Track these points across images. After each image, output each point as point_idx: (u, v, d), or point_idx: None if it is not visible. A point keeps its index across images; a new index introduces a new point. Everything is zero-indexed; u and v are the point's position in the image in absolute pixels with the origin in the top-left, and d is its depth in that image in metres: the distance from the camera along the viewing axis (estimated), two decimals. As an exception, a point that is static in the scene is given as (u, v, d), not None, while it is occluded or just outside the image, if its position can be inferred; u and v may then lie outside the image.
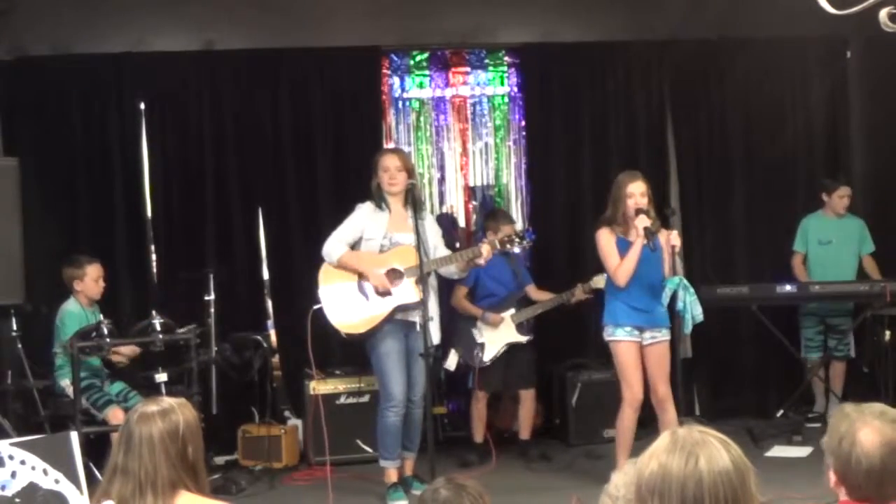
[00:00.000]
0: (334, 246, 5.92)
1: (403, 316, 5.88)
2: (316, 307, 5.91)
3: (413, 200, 5.92)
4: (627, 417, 5.83)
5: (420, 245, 5.70)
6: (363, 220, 5.95)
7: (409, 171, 6.01)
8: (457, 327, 6.85)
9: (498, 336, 6.79)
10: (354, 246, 5.95)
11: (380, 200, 5.96)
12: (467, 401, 7.12)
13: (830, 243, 7.41)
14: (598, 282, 6.48)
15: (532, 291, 7.01)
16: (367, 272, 5.84)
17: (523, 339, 6.85)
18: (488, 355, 6.75)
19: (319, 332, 6.05)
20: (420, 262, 5.67)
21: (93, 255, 6.49)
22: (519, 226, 7.37)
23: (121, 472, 2.77)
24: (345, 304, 5.90)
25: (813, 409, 7.52)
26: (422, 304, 5.73)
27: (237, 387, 6.98)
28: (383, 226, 5.92)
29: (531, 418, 6.99)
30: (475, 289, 6.85)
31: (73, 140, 7.17)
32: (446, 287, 6.88)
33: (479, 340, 6.77)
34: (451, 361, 6.82)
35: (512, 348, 6.81)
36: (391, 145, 7.57)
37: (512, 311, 6.85)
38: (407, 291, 5.84)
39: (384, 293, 5.83)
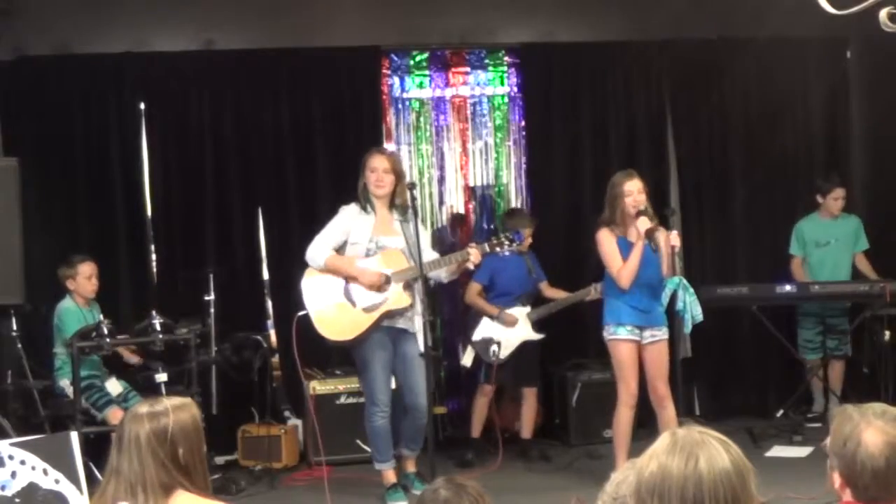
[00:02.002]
0: (319, 250, 5.83)
1: (390, 322, 5.83)
2: (301, 314, 5.87)
3: (411, 201, 5.87)
4: (624, 416, 5.83)
5: (409, 244, 5.65)
6: (348, 223, 5.88)
7: (398, 174, 5.93)
8: (473, 323, 6.85)
9: (514, 333, 6.81)
10: (339, 250, 5.88)
11: (365, 202, 5.89)
12: (468, 400, 7.13)
13: (828, 245, 7.41)
14: None
15: (545, 289, 7.03)
16: (357, 273, 5.78)
17: (537, 336, 6.86)
18: (504, 352, 6.76)
19: (319, 333, 6.04)
20: (420, 265, 5.63)
21: (93, 255, 6.50)
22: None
23: (115, 473, 2.79)
24: (331, 311, 5.83)
25: (812, 409, 7.53)
26: (409, 310, 5.71)
27: (237, 387, 6.98)
28: (369, 229, 5.85)
29: (533, 416, 7.00)
30: (490, 286, 6.85)
31: (73, 140, 7.17)
32: (448, 287, 6.89)
33: (497, 339, 6.77)
34: (468, 358, 6.83)
35: (522, 345, 6.83)
36: (389, 146, 7.58)
37: (528, 308, 6.86)
38: (395, 296, 5.80)
39: (380, 290, 5.77)
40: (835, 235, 7.42)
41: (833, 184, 7.37)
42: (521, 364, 6.85)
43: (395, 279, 5.77)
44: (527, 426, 6.98)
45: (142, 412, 2.81)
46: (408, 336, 5.81)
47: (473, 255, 5.76)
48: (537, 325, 6.91)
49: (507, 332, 6.80)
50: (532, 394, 6.94)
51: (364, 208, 5.89)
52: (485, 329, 6.79)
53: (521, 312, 6.84)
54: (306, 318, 5.86)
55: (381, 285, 5.76)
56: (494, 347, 6.74)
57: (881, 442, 2.45)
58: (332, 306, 5.83)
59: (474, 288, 6.85)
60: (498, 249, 5.94)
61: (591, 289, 6.68)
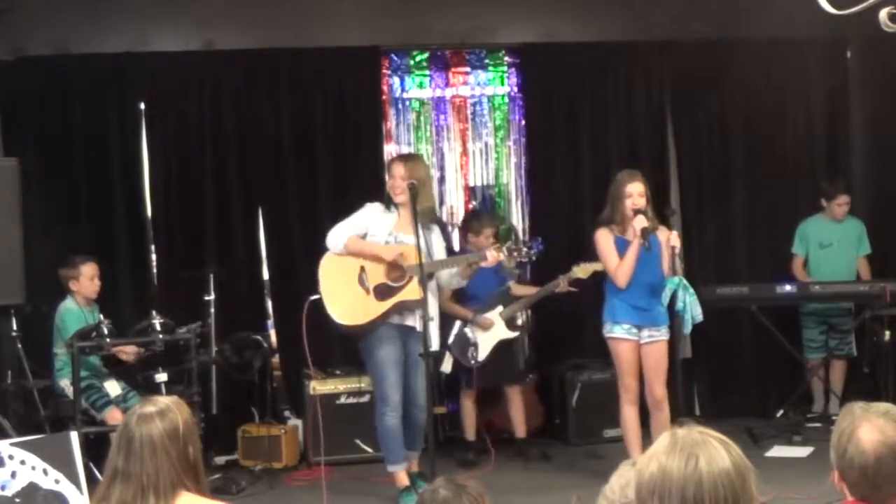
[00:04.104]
0: (340, 234, 5.88)
1: (400, 320, 5.84)
2: (313, 297, 5.88)
3: (413, 201, 5.88)
4: (628, 414, 5.85)
5: (422, 245, 5.65)
6: (369, 218, 5.94)
7: (417, 179, 5.96)
8: (448, 329, 6.82)
9: (490, 335, 6.78)
10: None
11: (389, 203, 5.95)
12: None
13: (831, 246, 7.41)
14: (578, 272, 6.47)
15: (515, 287, 7.01)
16: (378, 250, 5.80)
17: (513, 334, 6.84)
18: (482, 354, 6.75)
19: (320, 332, 6.04)
20: (420, 263, 5.63)
21: (93, 255, 6.49)
22: (518, 227, 7.36)
23: (121, 477, 2.73)
24: (345, 296, 5.85)
25: (812, 409, 7.52)
26: (421, 304, 5.71)
27: (237, 387, 6.99)
28: (390, 225, 5.90)
29: (523, 415, 6.93)
30: (459, 290, 6.81)
31: (73, 140, 7.17)
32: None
33: (473, 340, 6.77)
34: (447, 364, 6.80)
35: (499, 344, 6.80)
36: (389, 146, 7.60)
37: (500, 308, 6.83)
38: (408, 287, 5.80)
39: (395, 280, 5.77)
40: (837, 237, 7.41)
41: (838, 190, 7.33)
42: (502, 363, 6.81)
43: (409, 271, 5.79)
44: (519, 425, 6.93)
45: (150, 412, 2.78)
46: (417, 335, 5.81)
47: (491, 257, 5.79)
48: (515, 322, 6.88)
49: (483, 333, 6.77)
50: (516, 392, 6.89)
51: (388, 208, 5.95)
52: (461, 333, 6.75)
53: (493, 313, 6.81)
54: (313, 312, 5.86)
55: (399, 265, 5.78)
56: (472, 350, 6.73)
57: (875, 440, 2.43)
58: (345, 289, 5.85)
59: (444, 293, 6.79)
60: (516, 255, 5.95)
61: (559, 280, 6.64)
